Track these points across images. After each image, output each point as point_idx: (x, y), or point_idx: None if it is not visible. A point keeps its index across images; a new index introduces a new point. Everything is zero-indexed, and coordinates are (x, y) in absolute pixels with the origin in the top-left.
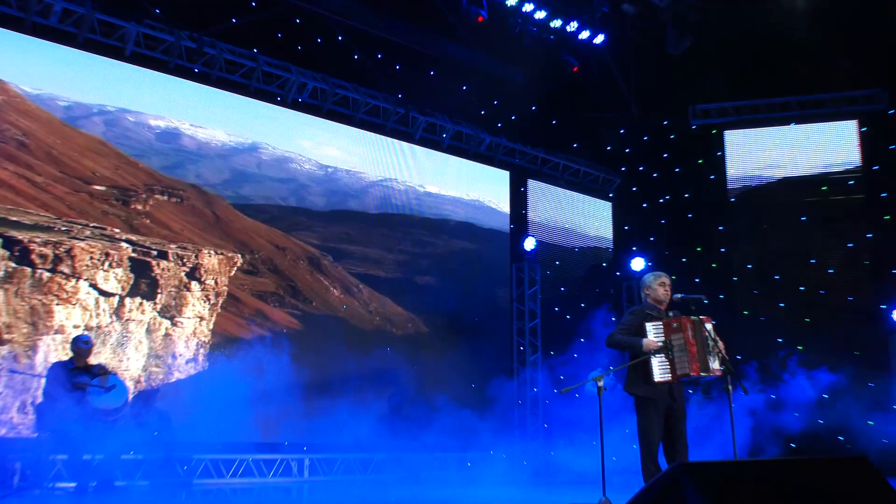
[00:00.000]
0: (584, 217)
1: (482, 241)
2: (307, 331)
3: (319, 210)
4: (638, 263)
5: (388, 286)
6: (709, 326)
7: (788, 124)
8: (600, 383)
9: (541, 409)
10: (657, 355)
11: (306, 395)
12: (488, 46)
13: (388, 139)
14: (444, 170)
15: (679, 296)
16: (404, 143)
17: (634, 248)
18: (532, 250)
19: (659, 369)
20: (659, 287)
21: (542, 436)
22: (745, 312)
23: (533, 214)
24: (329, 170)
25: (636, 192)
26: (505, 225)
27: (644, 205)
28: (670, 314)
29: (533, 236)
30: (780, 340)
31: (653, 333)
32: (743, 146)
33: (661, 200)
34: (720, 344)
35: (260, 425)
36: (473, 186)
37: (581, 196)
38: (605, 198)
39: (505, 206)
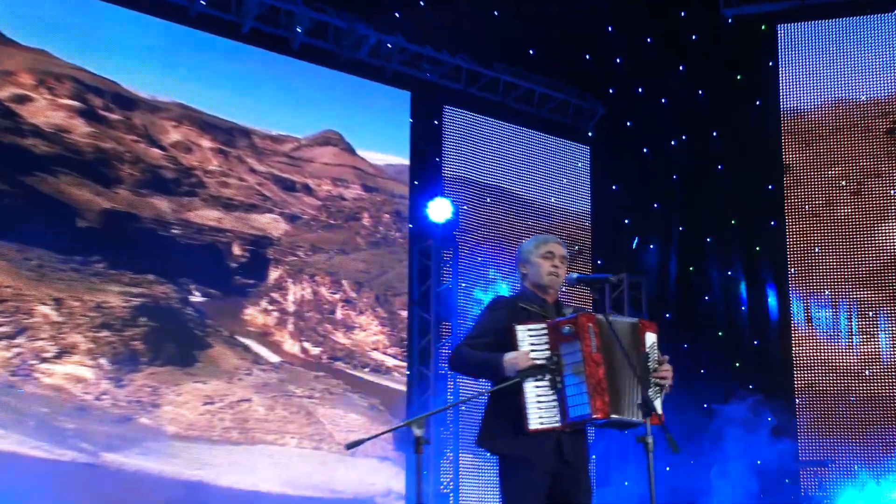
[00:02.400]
0: (543, 171)
1: (366, 208)
2: None
3: None
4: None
5: None
6: (650, 339)
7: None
8: (419, 431)
9: None
10: (532, 381)
11: None
12: None
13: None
14: (293, 89)
15: (574, 276)
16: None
17: (626, 222)
18: (447, 223)
19: (537, 407)
20: (543, 261)
21: None
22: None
23: (451, 165)
24: None
25: (631, 130)
26: (400, 184)
27: (644, 150)
28: (567, 313)
29: (449, 198)
30: None
31: (528, 342)
32: (810, 49)
33: (672, 143)
34: (664, 370)
35: None
36: (345, 118)
37: (537, 135)
38: (579, 138)
39: (401, 154)
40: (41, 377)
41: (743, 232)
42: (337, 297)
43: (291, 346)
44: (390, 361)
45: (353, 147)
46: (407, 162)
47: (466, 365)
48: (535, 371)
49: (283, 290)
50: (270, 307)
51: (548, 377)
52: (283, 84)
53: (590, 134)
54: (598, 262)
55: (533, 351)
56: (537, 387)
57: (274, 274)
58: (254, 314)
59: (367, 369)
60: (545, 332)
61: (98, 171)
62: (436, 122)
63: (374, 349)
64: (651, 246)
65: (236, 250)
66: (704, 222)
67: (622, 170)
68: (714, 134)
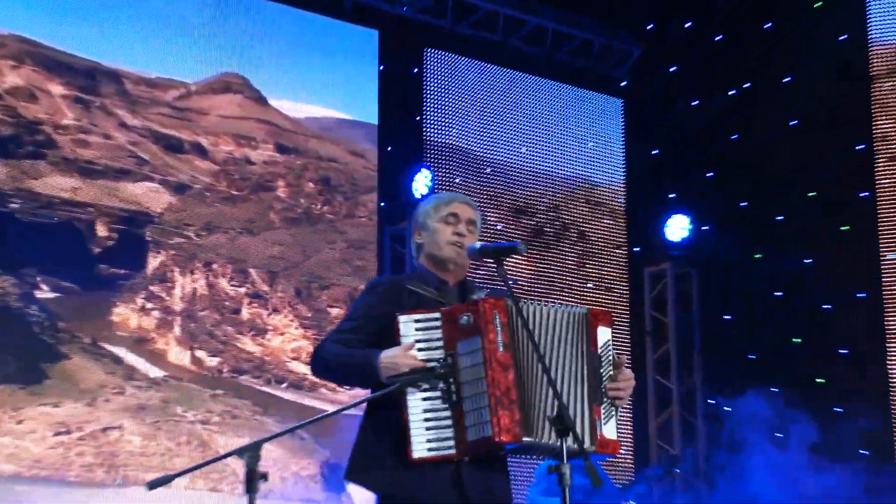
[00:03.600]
0: (560, 133)
1: (281, 174)
2: None
3: None
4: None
5: None
6: (602, 335)
7: None
8: (251, 462)
9: None
10: (419, 392)
11: None
12: None
13: None
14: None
15: (478, 245)
16: None
17: (671, 196)
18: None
19: (424, 427)
20: (443, 227)
21: None
22: None
23: (434, 127)
24: None
25: (676, 77)
26: (328, 142)
27: (694, 102)
28: (477, 296)
29: (429, 169)
30: None
31: (414, 337)
32: None
33: (730, 93)
34: (623, 380)
35: None
36: (261, 58)
37: (552, 86)
38: (608, 89)
39: (368, 111)
40: None
41: (825, 207)
42: (242, 290)
43: (179, 356)
44: None
45: (264, 95)
46: (372, 121)
47: (329, 366)
48: (420, 376)
49: (166, 283)
50: (149, 305)
51: (440, 386)
52: (169, 12)
53: (622, 83)
54: (636, 248)
55: (422, 350)
56: (426, 399)
57: (154, 261)
58: (126, 314)
59: (284, 385)
60: (438, 323)
61: None
62: (415, 69)
63: (295, 358)
64: (704, 227)
65: (101, 230)
66: (773, 196)
67: (664, 129)
68: (786, 80)
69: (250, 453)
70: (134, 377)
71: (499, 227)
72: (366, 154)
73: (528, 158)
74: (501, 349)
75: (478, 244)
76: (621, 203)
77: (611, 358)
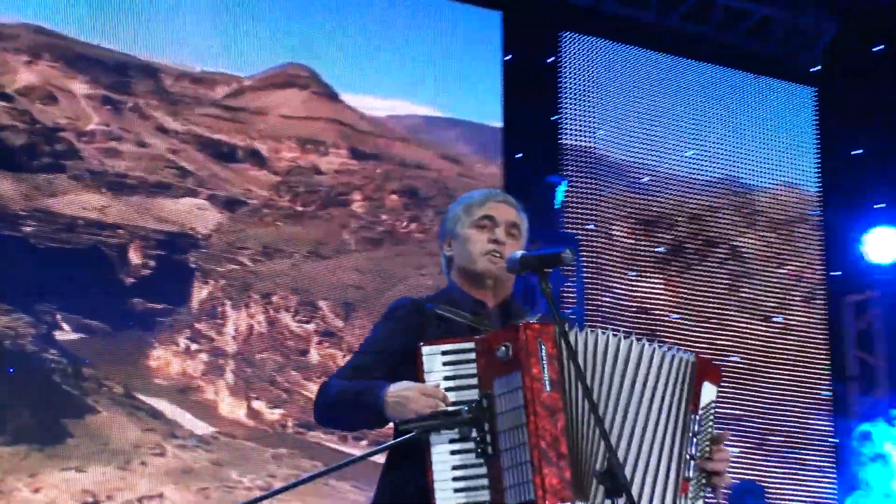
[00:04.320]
0: (738, 131)
1: (358, 186)
2: None
3: None
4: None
5: None
6: (707, 394)
7: None
8: None
9: None
10: (447, 441)
11: None
12: None
13: None
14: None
15: (518, 254)
16: None
17: (878, 206)
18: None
19: (452, 486)
20: (476, 233)
21: None
22: None
23: (573, 126)
24: None
25: (880, 60)
26: (415, 145)
27: None
28: (526, 321)
29: (565, 180)
30: None
31: (441, 373)
32: None
33: None
34: (720, 457)
35: None
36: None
37: (726, 73)
38: (797, 76)
39: (492, 114)
40: None
41: None
42: (310, 327)
43: (233, 409)
44: None
45: (335, 89)
46: (496, 123)
47: (330, 405)
48: (440, 422)
49: (216, 320)
50: (195, 346)
51: (474, 435)
52: None
53: (815, 69)
54: (833, 273)
55: (451, 389)
56: (455, 452)
57: (200, 293)
58: (166, 358)
59: (363, 442)
60: (472, 356)
61: None
62: (549, 59)
63: None
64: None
65: (134, 257)
66: None
67: (868, 123)
68: None
69: None
70: (176, 434)
71: (659, 250)
72: (462, 159)
73: (694, 166)
74: (548, 388)
75: (519, 253)
76: (816, 215)
77: (710, 426)
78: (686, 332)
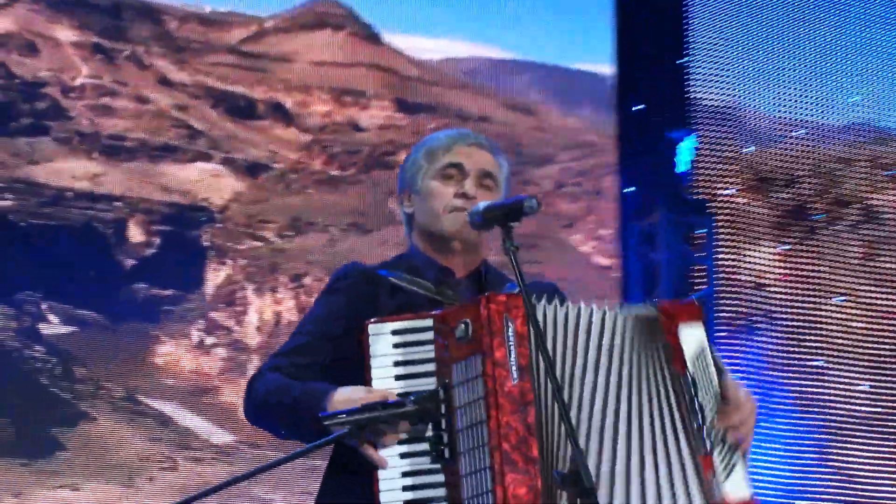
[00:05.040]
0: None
1: (405, 144)
2: None
3: None
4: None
5: None
6: (691, 339)
7: None
8: None
9: None
10: (393, 445)
11: None
12: None
13: None
14: None
15: (482, 205)
16: None
17: None
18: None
19: (402, 502)
20: (440, 186)
21: None
22: None
23: (704, 72)
24: None
25: None
26: (537, 105)
27: None
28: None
29: (695, 134)
30: None
31: (391, 355)
32: None
33: None
34: (735, 411)
35: None
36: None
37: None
38: None
39: (582, 54)
40: None
41: None
42: None
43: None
44: None
45: (376, 29)
46: (586, 66)
47: (261, 410)
48: (373, 416)
49: (235, 307)
50: (211, 339)
51: (429, 435)
52: None
53: None
54: None
55: (403, 378)
56: (406, 454)
57: (216, 276)
58: (176, 354)
59: None
60: (430, 335)
61: None
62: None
63: None
64: None
65: (135, 234)
66: None
67: None
68: None
69: None
70: (189, 445)
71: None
72: (536, 109)
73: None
74: (516, 376)
75: (483, 205)
76: None
77: (711, 375)
78: (847, 317)
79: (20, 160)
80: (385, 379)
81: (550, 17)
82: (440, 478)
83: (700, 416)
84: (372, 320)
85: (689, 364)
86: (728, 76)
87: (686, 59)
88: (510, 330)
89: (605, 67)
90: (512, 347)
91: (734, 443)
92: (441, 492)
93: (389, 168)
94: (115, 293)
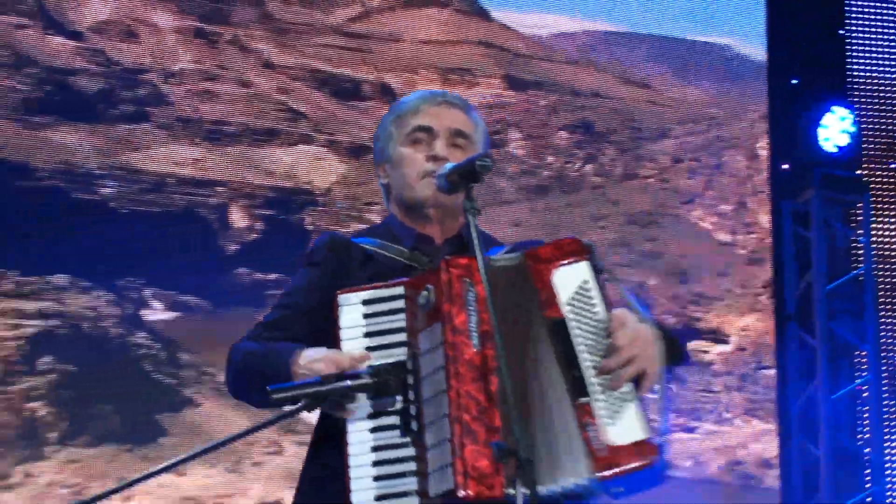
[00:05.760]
0: None
1: (515, 122)
2: None
3: None
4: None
5: None
6: (563, 283)
7: None
8: None
9: None
10: (363, 419)
11: None
12: None
13: None
14: None
15: (448, 167)
16: None
17: None
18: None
19: (372, 477)
20: (410, 152)
21: None
22: None
23: (863, 42)
24: None
25: None
26: (651, 79)
27: None
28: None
29: (850, 108)
30: None
31: (362, 325)
32: None
33: None
34: (623, 347)
35: None
36: None
37: None
38: None
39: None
40: None
41: None
42: None
43: None
44: None
45: (484, 6)
46: (704, 37)
47: (237, 378)
48: (328, 389)
49: None
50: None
51: (399, 401)
52: None
53: None
54: None
55: (374, 347)
56: (376, 428)
57: None
58: None
59: None
60: (401, 303)
61: None
62: None
63: None
64: None
65: (238, 219)
66: None
67: None
68: None
69: None
70: (295, 428)
71: None
72: (652, 82)
73: None
74: (477, 344)
75: (448, 166)
76: None
77: (595, 314)
78: None
79: (121, 147)
80: (355, 352)
81: None
82: (410, 451)
83: (572, 359)
84: (342, 291)
85: (564, 308)
86: (890, 47)
87: (845, 29)
88: (471, 295)
89: (729, 39)
90: (472, 313)
91: (628, 380)
92: (411, 465)
93: (498, 147)
94: (219, 278)
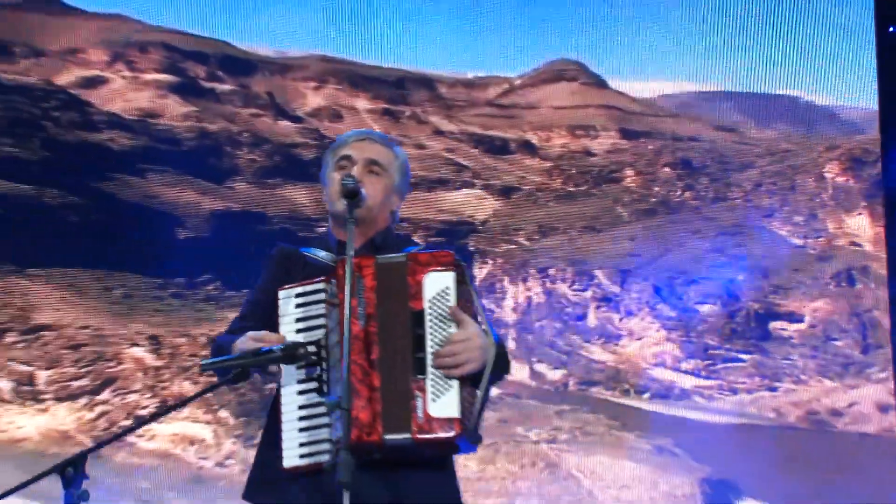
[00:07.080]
0: None
1: (629, 162)
2: None
3: None
4: None
5: None
6: (431, 285)
7: None
8: (71, 471)
9: None
10: (293, 384)
11: None
12: None
13: None
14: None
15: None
16: None
17: None
18: None
19: (297, 427)
20: (336, 175)
21: None
22: None
23: None
24: None
25: None
26: (737, 124)
27: None
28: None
29: None
30: None
31: (294, 314)
32: None
33: None
34: (456, 341)
35: None
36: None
37: None
38: None
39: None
40: (138, 442)
41: None
42: (587, 294)
43: (517, 372)
44: (688, 381)
45: (604, 78)
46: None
47: (214, 362)
48: (244, 361)
49: (495, 294)
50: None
51: (318, 373)
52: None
53: None
54: None
55: (303, 330)
56: (302, 392)
57: (480, 272)
58: None
59: (646, 395)
60: (323, 295)
61: (203, 163)
62: None
63: (658, 364)
64: None
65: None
66: None
67: None
68: None
69: (72, 468)
70: None
71: None
72: (737, 127)
73: None
74: (362, 322)
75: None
76: None
77: (448, 314)
78: None
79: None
80: (290, 334)
81: (761, 49)
82: (324, 410)
83: (420, 346)
84: (281, 287)
85: (425, 303)
86: None
87: None
88: (361, 284)
89: (800, 92)
90: (361, 298)
91: (451, 367)
92: (325, 420)
93: (616, 182)
94: None
